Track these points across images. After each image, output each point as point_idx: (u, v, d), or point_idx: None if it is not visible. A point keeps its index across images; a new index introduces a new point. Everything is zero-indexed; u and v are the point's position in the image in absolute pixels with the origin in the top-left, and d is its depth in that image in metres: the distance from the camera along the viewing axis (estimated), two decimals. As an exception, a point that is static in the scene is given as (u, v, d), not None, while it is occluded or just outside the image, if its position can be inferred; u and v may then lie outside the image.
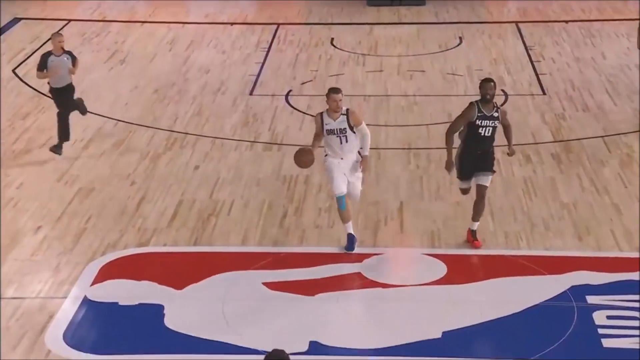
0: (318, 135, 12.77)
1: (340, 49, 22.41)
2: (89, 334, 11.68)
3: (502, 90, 18.87)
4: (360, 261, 12.89)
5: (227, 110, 18.52)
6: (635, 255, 12.94)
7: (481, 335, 11.36)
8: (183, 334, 11.53)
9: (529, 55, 21.58)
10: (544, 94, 19.05)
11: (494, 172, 12.97)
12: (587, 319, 11.59)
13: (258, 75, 20.58)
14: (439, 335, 11.40)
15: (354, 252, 12.90)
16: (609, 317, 11.63)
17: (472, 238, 13.05)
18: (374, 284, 12.46)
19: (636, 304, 11.90)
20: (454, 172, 13.17)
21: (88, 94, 18.14)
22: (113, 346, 11.42)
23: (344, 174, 12.74)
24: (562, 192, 14.72)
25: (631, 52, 21.10)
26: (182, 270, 12.85)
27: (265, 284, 12.48)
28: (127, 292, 12.40)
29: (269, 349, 10.93)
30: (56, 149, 15.83)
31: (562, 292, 12.14)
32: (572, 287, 12.24)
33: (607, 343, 11.19)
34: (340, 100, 12.52)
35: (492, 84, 12.63)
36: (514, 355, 11.16)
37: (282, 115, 18.28)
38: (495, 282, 12.44)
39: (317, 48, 22.56)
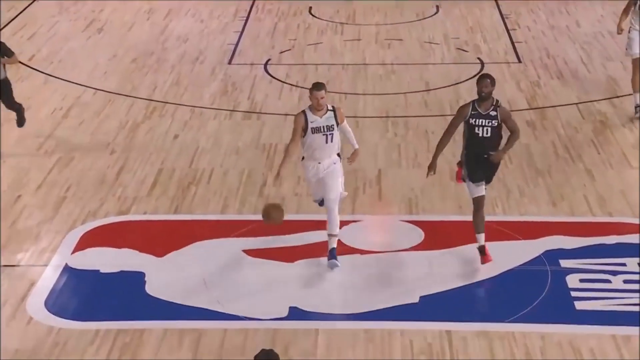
0: (296, 137, 11.74)
1: (319, 18, 22.41)
2: (71, 301, 11.78)
3: (479, 59, 19.07)
4: (339, 228, 12.79)
5: (206, 79, 18.57)
6: (607, 219, 13.12)
7: (457, 300, 11.50)
8: (164, 300, 11.66)
9: (505, 24, 21.66)
10: (520, 62, 19.18)
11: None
12: (561, 282, 11.77)
13: (237, 44, 20.61)
14: (417, 300, 11.55)
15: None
16: (581, 280, 11.84)
17: (482, 253, 11.86)
18: (352, 251, 12.57)
19: (608, 267, 12.05)
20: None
21: (66, 63, 18.25)
22: (95, 313, 11.52)
23: (319, 179, 11.92)
24: (536, 159, 14.89)
25: (605, 19, 21.33)
26: (162, 238, 12.95)
27: (245, 251, 12.61)
28: (108, 259, 12.50)
29: (250, 316, 11.25)
30: (20, 122, 15.56)
31: (537, 257, 12.32)
32: (546, 251, 12.39)
33: (580, 305, 11.37)
34: (323, 97, 11.54)
35: (488, 80, 11.48)
36: (489, 318, 11.29)
37: (261, 84, 18.32)
38: (472, 248, 12.44)
39: (296, 17, 22.53)
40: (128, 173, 14.62)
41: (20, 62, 17.96)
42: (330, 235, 11.91)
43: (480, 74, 12.04)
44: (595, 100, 17.00)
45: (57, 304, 11.63)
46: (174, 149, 15.43)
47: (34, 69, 18.86)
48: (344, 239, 12.71)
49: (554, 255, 12.32)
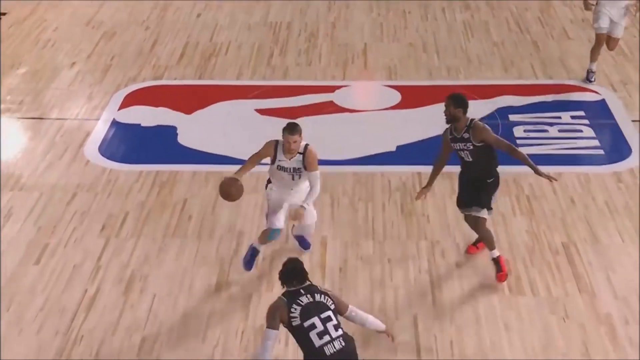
0: (254, 162, 8.97)
1: None
2: (119, 148, 11.98)
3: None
4: (333, 92, 13.14)
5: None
6: (547, 82, 13.31)
7: (426, 147, 11.53)
8: (192, 148, 11.87)
9: None
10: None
11: (489, 208, 9.04)
12: (509, 132, 11.96)
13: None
14: (394, 149, 11.76)
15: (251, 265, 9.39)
16: (525, 131, 12.09)
17: (497, 269, 9.14)
18: (343, 110, 12.74)
19: (547, 120, 12.30)
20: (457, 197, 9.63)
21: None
22: (138, 158, 11.78)
23: (288, 205, 9.14)
24: (493, 33, 15.00)
25: None
26: (190, 99, 13.08)
27: (257, 110, 12.76)
28: (146, 116, 12.67)
29: (262, 160, 11.56)
30: None
31: (491, 113, 12.47)
32: (498, 108, 12.61)
33: (523, 150, 11.55)
34: (295, 142, 8.73)
35: (451, 103, 8.78)
36: (452, 162, 11.52)
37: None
38: (440, 106, 12.43)
39: None
40: (160, 45, 14.76)
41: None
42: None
43: (447, 96, 8.92)
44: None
45: (108, 150, 11.89)
46: (197, 26, 15.50)
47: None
48: (337, 100, 12.89)
49: (504, 111, 12.51)
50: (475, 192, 9.05)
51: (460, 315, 8.61)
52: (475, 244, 9.63)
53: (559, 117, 12.34)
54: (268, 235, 9.21)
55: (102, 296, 9.07)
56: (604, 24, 12.60)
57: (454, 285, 9.01)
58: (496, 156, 8.92)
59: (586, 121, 12.21)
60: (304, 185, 9.07)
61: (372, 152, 11.69)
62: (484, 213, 9.03)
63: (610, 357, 8.16)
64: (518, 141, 11.74)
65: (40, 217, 10.41)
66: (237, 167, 11.19)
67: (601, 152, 11.57)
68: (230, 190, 8.66)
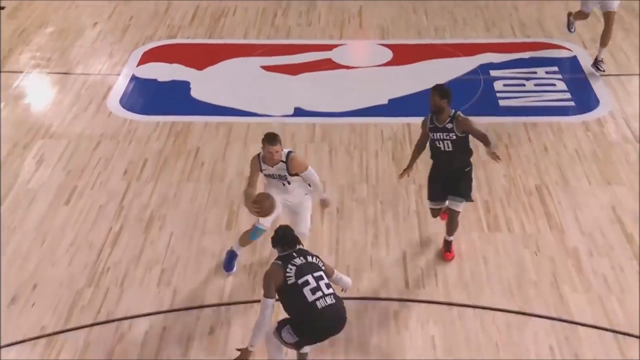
0: (253, 180, 8.22)
1: None
2: (138, 101, 12.03)
3: None
4: (330, 50, 13.16)
5: None
6: (525, 40, 13.32)
7: (415, 100, 11.63)
8: (204, 102, 11.90)
9: None
10: None
11: (470, 199, 8.61)
12: (490, 86, 12.08)
13: None
14: (386, 102, 11.80)
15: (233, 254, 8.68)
16: (504, 85, 12.13)
17: (445, 249, 8.81)
18: (340, 66, 12.76)
19: (524, 75, 12.32)
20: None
21: None
22: (155, 109, 11.81)
23: (282, 206, 8.33)
24: (477, -4, 15.09)
25: None
26: (201, 56, 13.08)
27: (262, 66, 12.75)
28: (162, 71, 12.67)
29: (265, 113, 11.48)
30: None
31: (474, 69, 12.53)
32: (480, 65, 12.63)
33: (502, 103, 11.73)
34: (277, 151, 7.97)
35: (437, 95, 8.24)
36: None
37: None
38: (428, 63, 12.74)
39: None
40: (174, 7, 14.67)
41: None
42: None
43: (432, 87, 8.38)
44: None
45: (128, 102, 11.93)
46: (208, -11, 15.59)
47: None
48: (334, 58, 12.89)
49: (485, 67, 12.54)
50: (455, 184, 8.45)
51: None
52: (448, 249, 8.75)
53: (535, 72, 12.38)
54: (251, 233, 8.45)
55: (125, 233, 9.23)
56: (588, 8, 12.31)
57: (439, 224, 9.11)
58: (470, 148, 8.43)
59: (559, 76, 12.27)
60: (297, 185, 8.27)
61: (366, 105, 11.72)
62: (461, 206, 8.50)
63: (576, 286, 8.34)
64: (498, 94, 11.88)
65: (69, 163, 10.52)
66: (245, 119, 11.45)
67: (572, 103, 11.66)
68: (265, 203, 7.93)
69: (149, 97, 12.13)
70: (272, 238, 7.08)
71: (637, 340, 7.66)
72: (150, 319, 8.00)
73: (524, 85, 12.09)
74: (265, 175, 8.26)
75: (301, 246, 7.09)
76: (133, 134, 11.10)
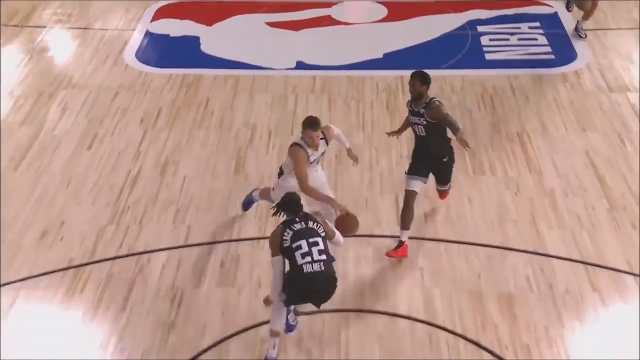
0: (307, 172, 7.44)
1: None
2: (152, 55, 12.06)
3: None
4: (330, 7, 13.14)
5: None
6: None
7: (408, 55, 11.78)
8: (213, 55, 11.94)
9: None
10: None
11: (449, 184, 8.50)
12: (477, 41, 12.11)
13: None
14: (381, 56, 11.85)
15: None
16: (490, 40, 12.18)
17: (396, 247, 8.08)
18: (339, 23, 12.78)
19: (509, 30, 12.37)
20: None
21: None
22: (168, 63, 11.86)
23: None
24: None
25: None
26: (210, 13, 13.06)
27: (267, 22, 12.75)
28: (174, 27, 12.70)
29: (269, 66, 11.46)
30: None
31: (462, 25, 12.54)
32: (469, 20, 12.65)
33: (488, 57, 11.79)
34: (318, 136, 7.40)
35: (417, 81, 7.78)
36: (430, 66, 11.41)
37: None
38: (420, 19, 12.74)
39: None
40: None
41: None
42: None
43: (412, 73, 7.89)
44: None
45: (143, 56, 11.98)
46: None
47: None
48: (333, 15, 12.87)
49: (473, 23, 12.56)
50: (440, 173, 8.26)
51: (434, 192, 8.80)
52: (397, 247, 8.06)
53: (519, 28, 12.45)
54: (268, 197, 8.15)
55: (143, 176, 9.37)
56: None
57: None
58: (447, 136, 7.95)
59: (541, 31, 12.34)
60: (320, 166, 7.85)
61: (363, 59, 11.76)
62: (447, 187, 8.50)
63: (552, 223, 8.53)
64: (484, 49, 11.93)
65: (90, 111, 10.65)
66: (251, 71, 11.42)
67: (552, 57, 11.76)
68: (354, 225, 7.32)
69: (162, 51, 12.17)
70: (278, 204, 6.90)
71: (605, 270, 7.89)
72: (167, 253, 8.20)
73: (509, 40, 12.15)
74: (311, 162, 7.52)
75: (305, 213, 6.86)
76: (148, 85, 11.18)
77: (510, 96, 10.82)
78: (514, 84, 11.07)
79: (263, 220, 8.59)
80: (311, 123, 7.38)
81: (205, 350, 7.09)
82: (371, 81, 11.19)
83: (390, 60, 11.71)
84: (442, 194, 8.73)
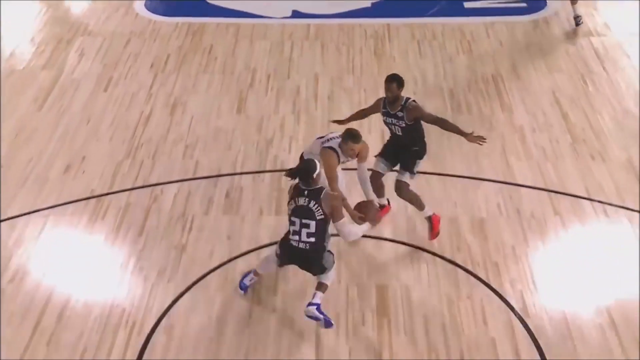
0: (336, 176, 7.25)
1: None
2: (160, 4, 12.10)
3: None
4: None
5: None
6: None
7: (394, 4, 11.67)
8: (216, 5, 11.96)
9: None
10: None
11: (412, 172, 7.50)
12: None
13: None
14: (369, 5, 11.87)
15: None
16: None
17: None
18: None
19: None
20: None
21: None
22: (175, 12, 11.85)
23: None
24: None
25: None
26: None
27: None
28: None
29: (268, 15, 11.28)
30: None
31: None
32: None
33: (466, 4, 11.80)
34: (358, 148, 7.24)
35: (394, 84, 7.18)
36: (414, 14, 11.41)
37: None
38: None
39: None
40: None
41: None
42: None
43: (388, 76, 7.29)
44: None
45: (152, 5, 12.01)
46: None
47: None
48: None
49: None
50: (402, 157, 7.56)
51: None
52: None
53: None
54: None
55: (154, 116, 9.45)
56: None
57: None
58: (422, 129, 7.43)
59: (515, -19, 12.33)
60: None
61: (352, 8, 11.74)
62: (406, 177, 7.53)
63: (520, 155, 8.63)
64: (463, -6, 11.84)
65: (105, 57, 10.71)
66: (251, 20, 11.30)
67: (524, 5, 11.76)
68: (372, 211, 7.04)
69: (169, 1, 12.09)
70: (295, 167, 6.72)
71: (566, 196, 8.09)
72: (178, 185, 8.32)
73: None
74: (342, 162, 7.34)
75: (316, 188, 6.50)
76: (157, 32, 11.20)
77: (486, 41, 10.90)
78: (489, 30, 11.14)
79: (263, 155, 8.70)
80: (353, 136, 7.15)
81: (213, 270, 7.30)
82: (360, 28, 11.21)
83: (378, 9, 11.69)
84: (384, 208, 7.81)
